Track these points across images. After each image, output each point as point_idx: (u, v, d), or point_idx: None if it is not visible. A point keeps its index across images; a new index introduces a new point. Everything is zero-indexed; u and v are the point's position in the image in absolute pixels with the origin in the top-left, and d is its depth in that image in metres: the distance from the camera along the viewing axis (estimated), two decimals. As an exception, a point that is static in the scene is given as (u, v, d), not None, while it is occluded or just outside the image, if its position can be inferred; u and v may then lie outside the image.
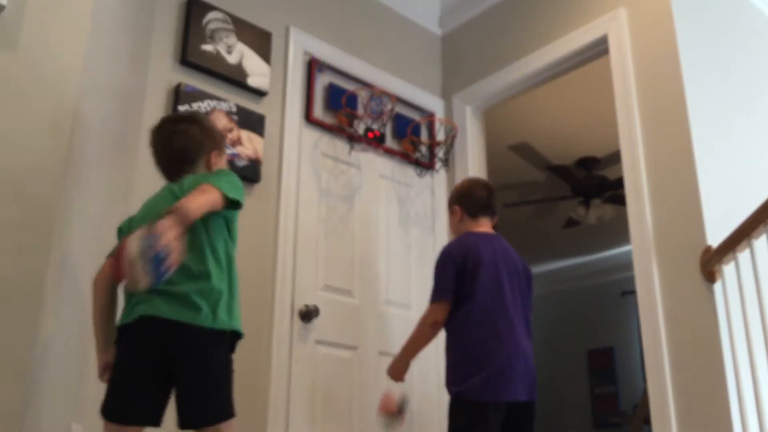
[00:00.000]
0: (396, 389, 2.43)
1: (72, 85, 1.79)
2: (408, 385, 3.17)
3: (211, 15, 2.89)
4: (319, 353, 2.90)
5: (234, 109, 2.84)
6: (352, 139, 3.28)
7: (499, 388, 2.17)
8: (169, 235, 1.46)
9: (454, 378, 2.28)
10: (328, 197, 3.15)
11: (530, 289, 2.44)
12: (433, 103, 3.73)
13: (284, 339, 2.78)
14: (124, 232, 1.92)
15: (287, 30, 3.19)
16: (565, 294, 7.95)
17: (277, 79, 3.07)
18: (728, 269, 2.44)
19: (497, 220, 2.53)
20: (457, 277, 2.29)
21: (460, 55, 3.80)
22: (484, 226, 2.46)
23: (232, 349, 1.81)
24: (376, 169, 3.40)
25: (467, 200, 2.49)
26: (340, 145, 3.26)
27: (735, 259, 2.40)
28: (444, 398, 3.26)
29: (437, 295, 2.32)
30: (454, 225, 2.56)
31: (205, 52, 2.83)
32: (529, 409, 2.26)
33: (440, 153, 3.60)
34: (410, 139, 3.51)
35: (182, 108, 2.69)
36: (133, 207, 2.50)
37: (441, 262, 2.36)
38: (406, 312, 3.28)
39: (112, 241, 2.39)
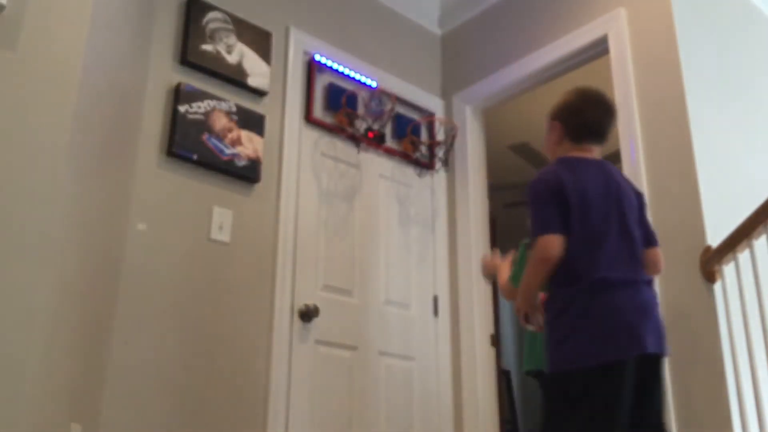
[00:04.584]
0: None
1: (72, 85, 1.79)
2: (409, 384, 3.17)
3: (211, 15, 2.89)
4: (319, 353, 2.90)
5: (234, 109, 2.84)
6: (352, 138, 3.28)
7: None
8: None
9: None
10: (328, 197, 3.15)
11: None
12: (433, 103, 3.73)
13: (284, 339, 2.78)
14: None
15: (287, 30, 3.18)
16: (565, 294, 7.92)
17: (277, 79, 3.07)
18: (728, 269, 2.44)
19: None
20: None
21: (460, 55, 3.80)
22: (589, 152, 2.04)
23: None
24: (376, 169, 3.40)
25: (574, 119, 2.05)
26: (340, 145, 3.26)
27: (735, 259, 2.40)
28: (443, 397, 3.26)
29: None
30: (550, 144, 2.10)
31: (205, 52, 2.83)
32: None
33: (440, 153, 3.60)
34: (410, 139, 3.51)
35: (182, 108, 2.69)
36: (133, 206, 2.52)
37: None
38: (406, 312, 3.28)
39: (111, 240, 2.40)
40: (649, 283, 1.92)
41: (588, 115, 2.03)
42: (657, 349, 1.82)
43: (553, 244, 1.82)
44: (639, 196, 2.03)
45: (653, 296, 1.91)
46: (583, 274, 1.83)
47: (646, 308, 1.84)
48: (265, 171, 2.91)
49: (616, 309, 1.80)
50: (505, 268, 2.27)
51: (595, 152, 2.05)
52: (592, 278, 1.82)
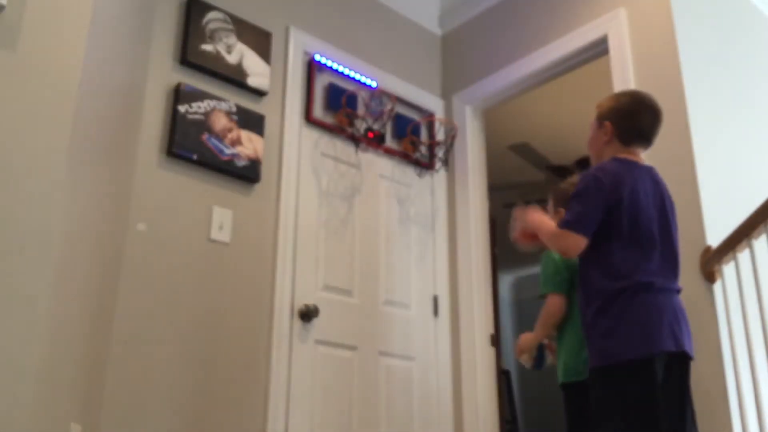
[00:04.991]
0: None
1: (72, 85, 1.79)
2: (409, 383, 3.18)
3: (211, 15, 2.89)
4: (319, 353, 2.90)
5: (234, 109, 2.84)
6: (353, 139, 3.28)
7: None
8: None
9: None
10: (328, 197, 3.15)
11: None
12: (433, 103, 3.73)
13: (284, 339, 2.78)
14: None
15: (287, 30, 3.19)
16: (565, 294, 7.90)
17: (277, 79, 3.07)
18: (728, 269, 2.44)
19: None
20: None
21: (460, 55, 3.80)
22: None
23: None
24: (376, 169, 3.40)
25: (626, 122, 2.07)
26: (340, 145, 3.26)
27: (735, 259, 2.40)
28: (443, 397, 3.26)
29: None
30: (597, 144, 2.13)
31: (205, 52, 2.83)
32: None
33: (440, 153, 3.60)
34: (410, 139, 3.51)
35: (182, 108, 2.69)
36: (133, 206, 2.52)
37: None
38: (406, 312, 3.28)
39: (111, 240, 2.40)
40: (679, 292, 1.98)
41: (641, 119, 2.07)
42: (691, 352, 1.90)
43: (578, 246, 1.91)
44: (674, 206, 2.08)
45: (682, 304, 1.97)
46: (628, 275, 1.88)
47: (679, 314, 1.91)
48: (265, 171, 2.91)
49: (657, 308, 1.86)
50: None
51: (641, 156, 2.09)
52: (637, 280, 1.88)
